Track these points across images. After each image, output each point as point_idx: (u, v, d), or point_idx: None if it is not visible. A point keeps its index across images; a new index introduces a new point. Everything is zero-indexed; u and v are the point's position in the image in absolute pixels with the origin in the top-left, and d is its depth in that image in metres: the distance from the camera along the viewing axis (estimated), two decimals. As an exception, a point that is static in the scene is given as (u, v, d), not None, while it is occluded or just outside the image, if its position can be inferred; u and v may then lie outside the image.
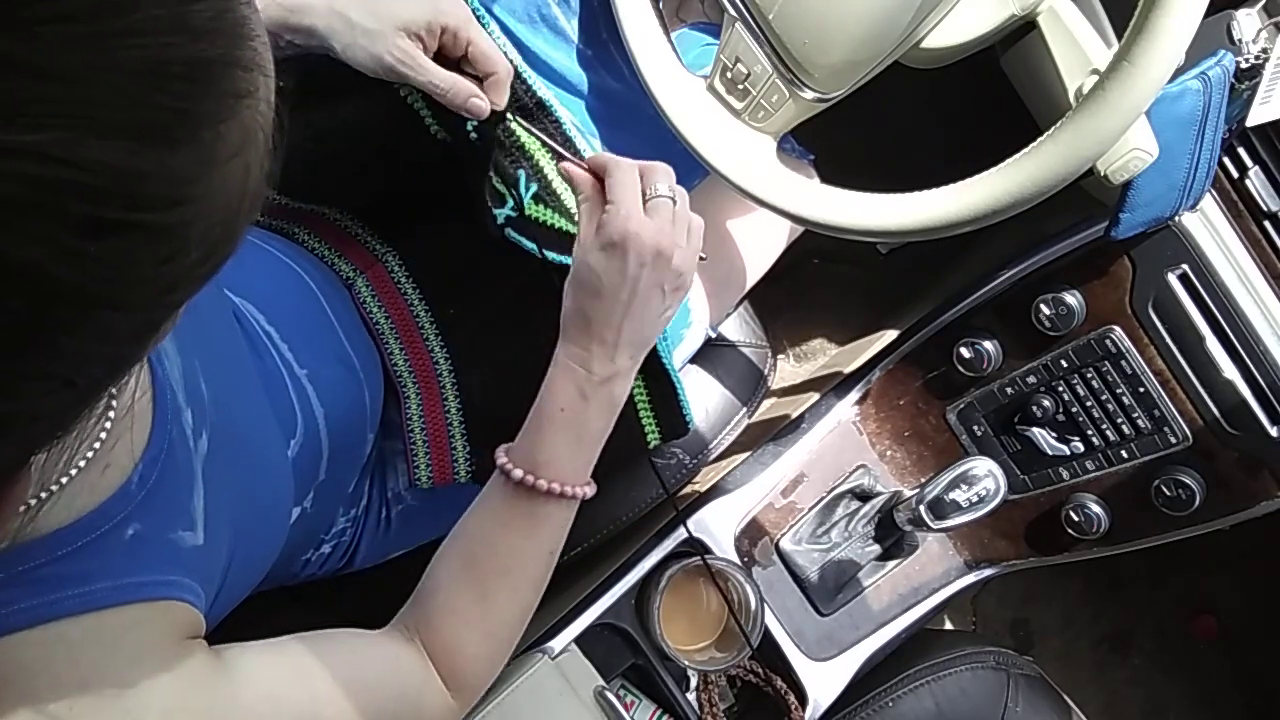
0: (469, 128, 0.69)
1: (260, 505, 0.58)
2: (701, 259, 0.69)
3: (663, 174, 0.65)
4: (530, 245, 0.74)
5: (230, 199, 0.30)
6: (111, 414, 0.45)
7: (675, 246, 0.63)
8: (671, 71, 0.73)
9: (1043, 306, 0.84)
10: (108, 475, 0.45)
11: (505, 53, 0.76)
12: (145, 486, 0.46)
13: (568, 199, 0.80)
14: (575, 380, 0.63)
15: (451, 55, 0.67)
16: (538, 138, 0.72)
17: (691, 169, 0.88)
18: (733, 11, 0.67)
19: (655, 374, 0.80)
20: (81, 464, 0.44)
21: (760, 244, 0.94)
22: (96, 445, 0.44)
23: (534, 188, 0.74)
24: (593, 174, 0.65)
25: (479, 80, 0.68)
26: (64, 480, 0.43)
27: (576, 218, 0.68)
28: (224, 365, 0.58)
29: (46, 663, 0.42)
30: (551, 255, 0.74)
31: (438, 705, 0.61)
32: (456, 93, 0.66)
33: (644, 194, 0.63)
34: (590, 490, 0.66)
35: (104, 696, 0.43)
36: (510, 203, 0.72)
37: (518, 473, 0.62)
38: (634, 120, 0.86)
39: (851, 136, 1.08)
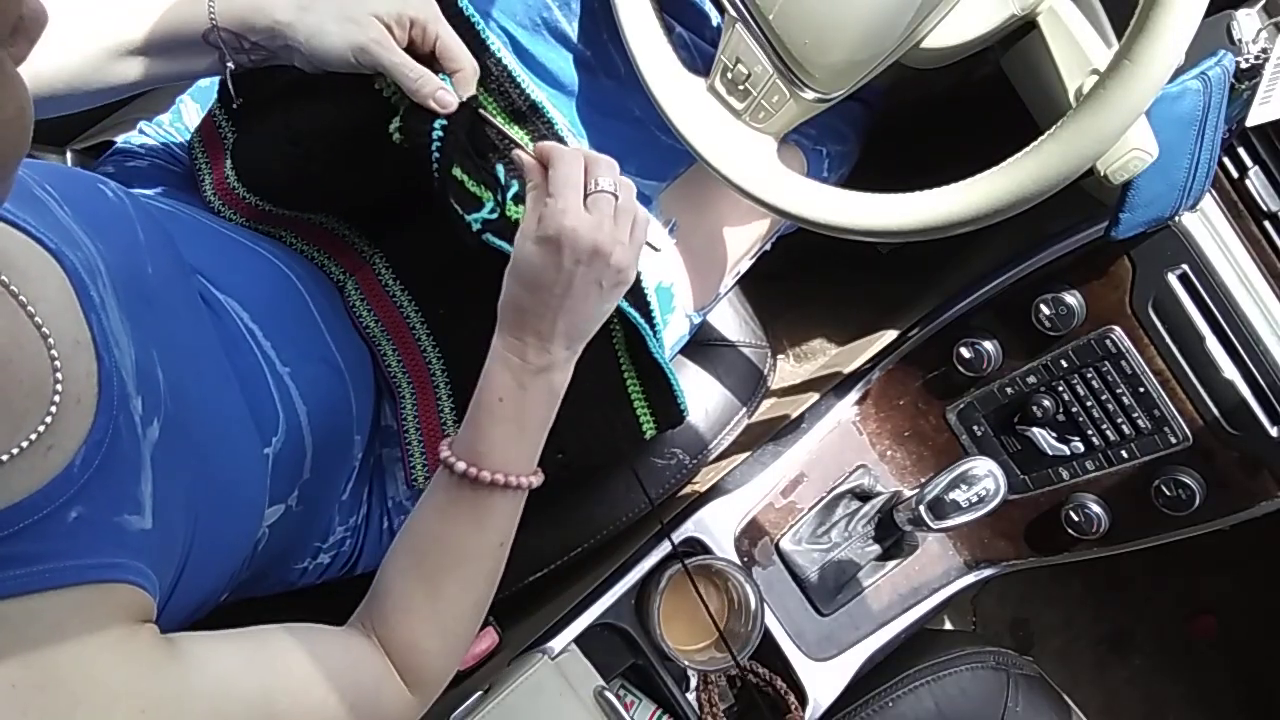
0: (434, 130, 0.67)
1: (224, 494, 0.57)
2: (655, 250, 0.68)
3: (605, 167, 0.63)
4: (510, 248, 0.71)
5: None
6: (57, 398, 0.45)
7: (615, 243, 0.61)
8: (671, 72, 0.73)
9: (1043, 306, 0.84)
10: (50, 458, 0.45)
11: (500, 57, 0.76)
12: (88, 470, 0.46)
13: None
14: (511, 370, 0.63)
15: (421, 51, 0.67)
16: (495, 128, 0.70)
17: (675, 160, 0.88)
18: (733, 12, 0.67)
19: (647, 365, 0.79)
20: (24, 444, 0.44)
21: (743, 228, 0.92)
22: (40, 428, 0.44)
23: (515, 187, 0.72)
24: (541, 163, 0.64)
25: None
26: (4, 458, 0.43)
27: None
28: (187, 356, 0.58)
29: None
30: None
31: (396, 701, 0.61)
32: (426, 80, 0.65)
33: (586, 188, 0.62)
34: (537, 480, 0.65)
35: (48, 676, 0.43)
36: (489, 205, 0.70)
37: (460, 465, 0.62)
38: (622, 121, 0.86)
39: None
